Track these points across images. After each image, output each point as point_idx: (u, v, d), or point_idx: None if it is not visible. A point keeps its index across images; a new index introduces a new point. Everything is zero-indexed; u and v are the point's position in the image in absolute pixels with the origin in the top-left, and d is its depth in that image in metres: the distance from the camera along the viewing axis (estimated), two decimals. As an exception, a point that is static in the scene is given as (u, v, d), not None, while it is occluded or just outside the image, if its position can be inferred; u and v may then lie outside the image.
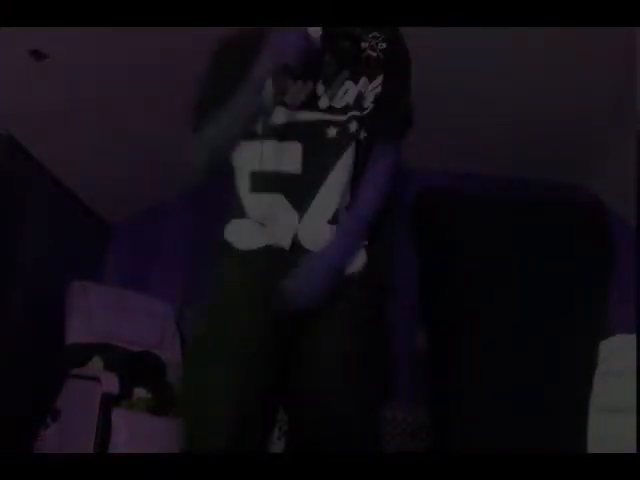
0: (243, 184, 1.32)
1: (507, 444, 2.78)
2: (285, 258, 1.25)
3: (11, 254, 2.73)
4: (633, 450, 1.36)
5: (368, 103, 1.31)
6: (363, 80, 1.31)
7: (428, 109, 3.02)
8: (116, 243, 3.61)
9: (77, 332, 2.91)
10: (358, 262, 1.30)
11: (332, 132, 1.28)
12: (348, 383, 1.22)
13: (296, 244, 1.26)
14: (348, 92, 1.29)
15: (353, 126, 1.29)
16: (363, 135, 1.32)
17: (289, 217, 1.26)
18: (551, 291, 3.12)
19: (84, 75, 2.57)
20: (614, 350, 1.73)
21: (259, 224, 1.28)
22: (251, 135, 1.30)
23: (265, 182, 1.28)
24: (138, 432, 2.57)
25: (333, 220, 1.27)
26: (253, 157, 1.28)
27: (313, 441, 1.20)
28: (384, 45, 1.33)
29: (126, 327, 3.07)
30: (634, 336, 1.71)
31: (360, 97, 1.30)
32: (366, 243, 1.33)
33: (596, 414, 1.67)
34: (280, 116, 1.27)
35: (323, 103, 1.28)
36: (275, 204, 1.27)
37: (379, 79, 1.32)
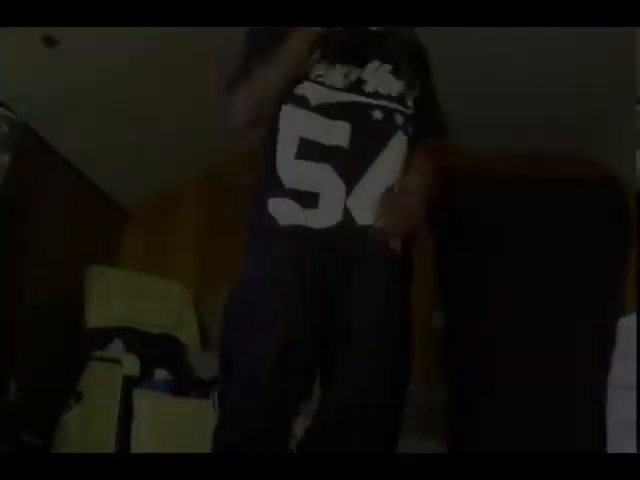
0: (286, 150, 1.32)
1: (522, 427, 2.80)
2: (329, 238, 1.27)
3: (29, 240, 2.76)
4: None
5: (410, 104, 1.40)
6: (403, 82, 1.39)
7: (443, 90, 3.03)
8: (132, 228, 3.64)
9: (97, 316, 2.94)
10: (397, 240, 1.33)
11: (377, 115, 1.33)
12: (380, 359, 1.24)
13: (345, 218, 1.27)
14: (392, 85, 1.37)
15: (399, 119, 1.36)
16: (410, 132, 1.38)
17: (337, 188, 1.28)
18: (567, 269, 3.12)
19: (99, 60, 2.57)
20: (632, 327, 1.73)
21: (299, 205, 1.28)
22: (298, 103, 1.33)
23: (313, 150, 1.30)
24: (159, 413, 2.60)
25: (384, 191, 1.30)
26: (302, 124, 1.32)
27: (345, 410, 1.22)
28: (418, 56, 1.45)
29: (145, 310, 3.10)
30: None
31: (403, 96, 1.38)
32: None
33: (615, 391, 1.67)
34: (328, 96, 1.32)
35: (369, 87, 1.34)
36: (322, 174, 1.29)
37: (417, 86, 1.42)
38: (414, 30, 1.49)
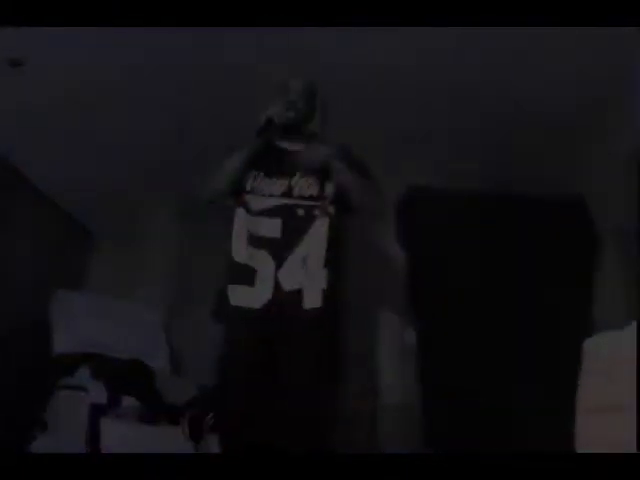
0: (237, 239, 1.94)
1: (494, 441, 2.81)
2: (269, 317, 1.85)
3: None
4: (620, 450, 1.36)
5: (329, 191, 1.96)
6: (320, 183, 1.96)
7: (422, 109, 3.05)
8: (100, 254, 3.58)
9: (63, 342, 2.88)
10: (316, 301, 1.88)
11: (301, 212, 1.93)
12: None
13: (275, 289, 1.85)
14: (312, 188, 1.96)
15: (316, 211, 1.94)
16: (331, 211, 1.96)
17: (269, 266, 1.87)
18: (535, 288, 3.15)
19: (65, 81, 2.55)
20: (599, 348, 1.74)
21: (246, 286, 1.88)
22: (246, 209, 1.95)
23: (255, 240, 1.91)
24: (127, 441, 2.54)
25: (302, 264, 1.87)
26: (247, 222, 1.94)
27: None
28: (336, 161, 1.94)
29: (112, 335, 3.04)
30: (619, 333, 1.70)
31: (322, 192, 1.95)
32: (324, 287, 1.90)
33: (582, 414, 1.67)
34: (265, 203, 1.93)
35: (295, 192, 1.95)
36: (260, 257, 1.89)
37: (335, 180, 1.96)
38: (328, 145, 1.98)
